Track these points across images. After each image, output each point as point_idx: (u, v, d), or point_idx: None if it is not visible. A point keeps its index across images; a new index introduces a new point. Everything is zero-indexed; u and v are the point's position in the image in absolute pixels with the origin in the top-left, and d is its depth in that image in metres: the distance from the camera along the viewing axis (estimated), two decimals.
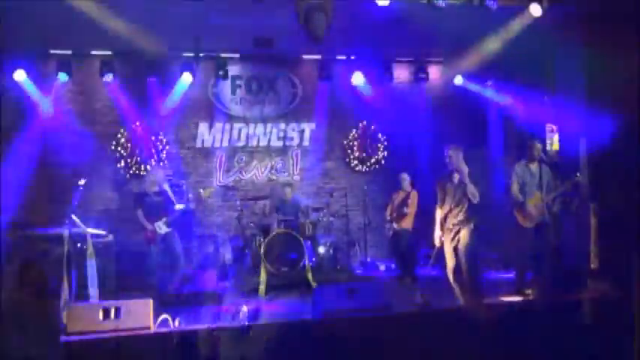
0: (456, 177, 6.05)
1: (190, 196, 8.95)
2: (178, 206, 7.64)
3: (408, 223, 8.40)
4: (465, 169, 5.96)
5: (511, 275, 7.12)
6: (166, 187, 7.67)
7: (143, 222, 7.45)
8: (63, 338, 4.17)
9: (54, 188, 8.84)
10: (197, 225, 9.03)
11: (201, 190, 7.94)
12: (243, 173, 9.76)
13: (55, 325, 3.18)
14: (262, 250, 7.75)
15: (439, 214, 6.16)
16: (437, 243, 6.12)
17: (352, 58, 9.69)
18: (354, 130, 10.14)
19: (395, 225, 8.43)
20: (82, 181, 6.31)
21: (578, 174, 6.52)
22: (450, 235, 6.04)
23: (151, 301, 4.49)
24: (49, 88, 8.91)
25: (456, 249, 6.00)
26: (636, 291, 4.44)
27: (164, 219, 7.44)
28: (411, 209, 8.32)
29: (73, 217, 5.41)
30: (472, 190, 5.92)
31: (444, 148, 6.18)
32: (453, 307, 5.70)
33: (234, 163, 9.75)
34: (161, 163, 9.21)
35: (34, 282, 3.26)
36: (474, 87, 10.15)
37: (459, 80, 10.14)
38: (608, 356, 4.74)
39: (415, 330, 4.65)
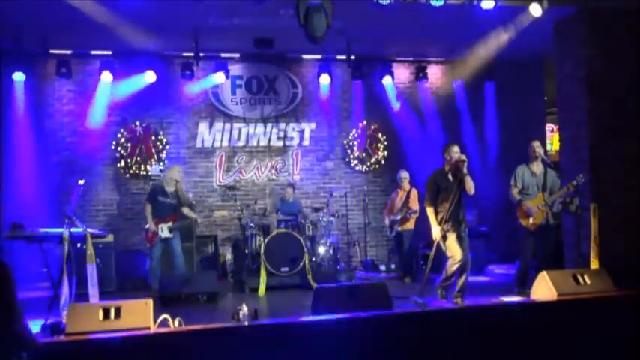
0: (451, 173, 6.13)
1: (191, 196, 8.98)
2: (188, 212, 7.63)
3: (411, 224, 8.41)
4: (465, 159, 6.03)
5: (512, 275, 7.11)
6: (180, 187, 7.61)
7: (148, 219, 7.41)
8: (62, 338, 4.17)
9: (54, 188, 8.86)
10: (197, 225, 9.02)
11: (216, 212, 7.96)
12: (243, 173, 9.76)
13: (13, 338, 3.00)
14: (262, 250, 7.75)
15: (432, 211, 6.13)
16: (437, 238, 6.05)
17: (352, 58, 9.69)
18: (354, 130, 10.14)
19: (398, 227, 8.44)
20: (81, 181, 6.30)
21: (580, 175, 6.51)
22: (455, 233, 6.00)
23: (151, 301, 4.48)
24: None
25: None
26: None
27: (170, 224, 7.41)
28: (417, 208, 8.33)
29: (73, 217, 5.40)
30: (470, 183, 6.01)
31: (444, 146, 6.28)
32: (453, 307, 5.70)
33: (234, 163, 9.75)
34: (161, 163, 9.21)
35: None
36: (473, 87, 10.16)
37: (458, 81, 10.15)
38: (610, 356, 4.74)
39: (415, 330, 4.65)
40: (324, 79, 9.71)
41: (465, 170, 6.00)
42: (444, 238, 6.03)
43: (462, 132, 10.18)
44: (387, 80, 9.91)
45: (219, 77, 9.20)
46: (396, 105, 10.06)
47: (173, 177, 7.60)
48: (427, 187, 6.25)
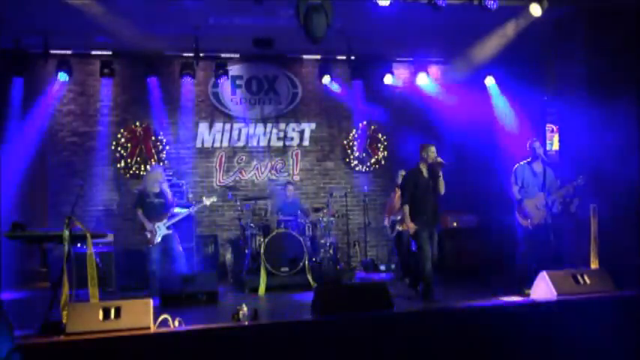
0: (425, 172, 6.59)
1: (190, 196, 8.97)
2: (178, 210, 7.61)
3: None
4: (443, 161, 6.46)
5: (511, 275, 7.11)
6: (165, 187, 7.63)
7: (143, 222, 7.41)
8: (62, 338, 4.17)
9: (54, 188, 8.86)
10: (197, 225, 9.03)
11: (204, 198, 7.93)
12: (243, 173, 9.76)
13: None
14: (262, 250, 7.75)
15: (408, 209, 6.56)
16: (412, 231, 6.56)
17: (352, 58, 9.69)
18: (354, 130, 10.15)
19: (399, 227, 8.44)
20: (81, 182, 6.31)
21: (580, 176, 6.55)
22: (428, 230, 6.51)
23: (151, 301, 4.48)
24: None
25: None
26: None
27: (164, 220, 7.41)
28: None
29: (73, 217, 5.40)
30: (441, 184, 6.54)
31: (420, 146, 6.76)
32: (453, 307, 5.70)
33: (234, 163, 9.75)
34: (161, 163, 9.20)
35: None
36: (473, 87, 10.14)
37: (458, 81, 10.15)
38: (610, 356, 4.73)
39: (415, 330, 4.65)
40: (324, 79, 9.71)
41: (440, 172, 6.50)
42: (417, 235, 6.51)
43: (461, 131, 10.18)
44: (387, 80, 9.92)
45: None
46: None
47: (157, 178, 7.59)
48: (405, 186, 6.70)
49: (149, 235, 7.35)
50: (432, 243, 6.57)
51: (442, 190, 6.58)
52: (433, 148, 6.59)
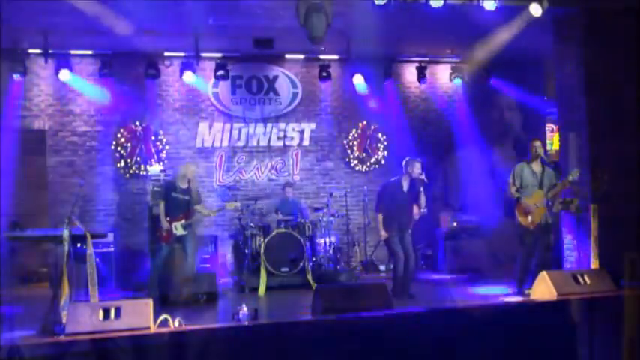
0: (405, 186, 6.86)
1: None
2: (201, 208, 7.51)
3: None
4: (425, 179, 6.79)
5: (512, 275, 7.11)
6: (194, 186, 7.46)
7: (161, 218, 7.20)
8: (62, 338, 4.17)
9: (54, 188, 8.86)
10: (197, 225, 9.00)
11: (227, 205, 7.88)
12: (243, 173, 9.75)
13: None
14: (262, 250, 7.75)
15: (381, 217, 6.88)
16: (383, 238, 6.92)
17: (352, 58, 9.68)
18: (354, 130, 10.14)
19: None
20: (81, 182, 6.31)
21: (575, 170, 6.62)
22: (398, 236, 6.81)
23: (151, 301, 4.48)
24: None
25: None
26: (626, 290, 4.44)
27: (183, 221, 7.29)
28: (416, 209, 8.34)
29: (73, 217, 5.40)
30: (423, 199, 6.83)
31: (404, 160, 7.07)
32: (453, 307, 5.70)
33: (234, 163, 9.75)
34: (161, 163, 9.20)
35: None
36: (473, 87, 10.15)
37: (458, 81, 10.16)
38: (610, 356, 4.74)
39: (415, 330, 4.65)
40: (325, 79, 9.70)
41: (420, 189, 6.78)
42: (388, 241, 6.83)
43: (461, 132, 10.18)
44: (387, 80, 9.92)
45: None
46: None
47: (187, 175, 7.41)
48: (381, 197, 6.99)
49: (164, 234, 7.20)
50: (406, 243, 6.84)
51: (423, 204, 6.89)
52: (419, 165, 6.87)
